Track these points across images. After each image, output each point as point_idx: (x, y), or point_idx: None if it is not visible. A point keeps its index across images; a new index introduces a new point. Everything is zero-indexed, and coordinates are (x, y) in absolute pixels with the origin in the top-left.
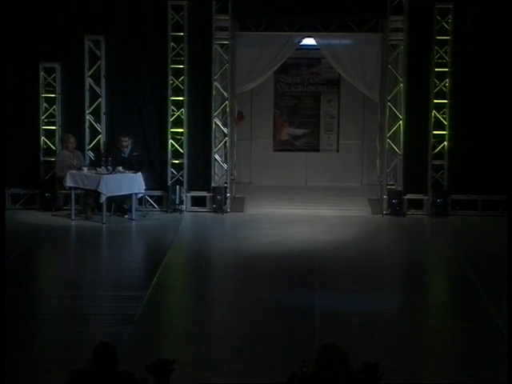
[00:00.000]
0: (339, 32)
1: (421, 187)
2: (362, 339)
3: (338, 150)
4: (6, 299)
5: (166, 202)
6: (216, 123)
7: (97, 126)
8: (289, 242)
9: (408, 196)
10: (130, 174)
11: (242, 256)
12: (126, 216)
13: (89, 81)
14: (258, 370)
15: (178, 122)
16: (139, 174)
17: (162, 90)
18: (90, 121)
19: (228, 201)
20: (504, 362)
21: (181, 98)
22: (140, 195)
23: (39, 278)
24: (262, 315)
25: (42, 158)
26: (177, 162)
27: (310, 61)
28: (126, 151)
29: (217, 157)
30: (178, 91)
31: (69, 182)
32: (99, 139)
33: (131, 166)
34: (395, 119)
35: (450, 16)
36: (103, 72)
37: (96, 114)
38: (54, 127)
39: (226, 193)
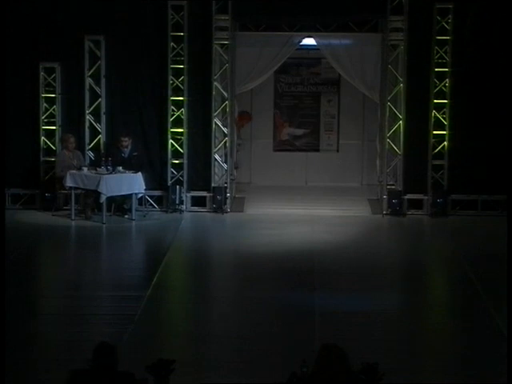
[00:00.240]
0: (339, 32)
1: (421, 187)
2: (362, 339)
3: (338, 150)
4: (6, 299)
5: (166, 201)
6: (216, 123)
7: (97, 126)
8: (289, 242)
9: (408, 196)
10: (130, 174)
11: (242, 256)
12: (126, 216)
13: (89, 81)
14: (258, 370)
15: (177, 122)
16: (139, 174)
17: (162, 90)
18: (90, 121)
19: (228, 201)
20: (504, 362)
21: (181, 98)
22: (140, 195)
23: (39, 278)
24: (261, 315)
25: (42, 158)
26: (177, 162)
27: (310, 61)
28: (126, 151)
29: (217, 157)
30: (178, 91)
31: (69, 182)
32: (99, 139)
33: (131, 165)
34: (395, 119)
35: (449, 16)
36: (103, 72)
37: (96, 114)
38: (54, 127)
39: (226, 193)
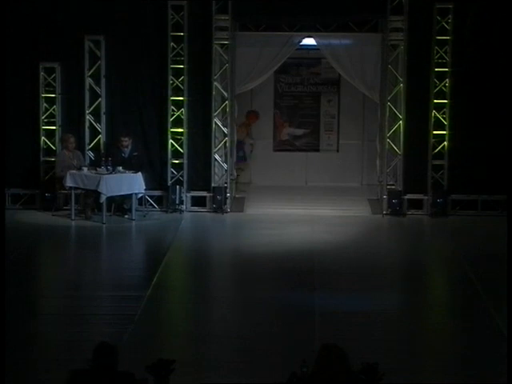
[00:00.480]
0: (339, 32)
1: (421, 187)
2: (362, 339)
3: (338, 150)
4: (6, 299)
5: (166, 202)
6: (216, 123)
7: (97, 126)
8: (289, 242)
9: (408, 196)
10: (130, 174)
11: (242, 256)
12: (126, 216)
13: (89, 81)
14: (258, 369)
15: (177, 122)
16: (139, 174)
17: (162, 90)
18: (90, 121)
19: (228, 201)
20: (504, 362)
21: (181, 98)
22: (140, 195)
23: (39, 278)
24: (262, 315)
25: (42, 158)
26: (177, 161)
27: (310, 61)
28: (126, 151)
29: (217, 157)
30: (178, 91)
31: (69, 182)
32: (99, 139)
33: (131, 165)
34: (395, 119)
35: (449, 16)
36: (103, 72)
37: (96, 113)
38: (54, 127)
39: (226, 193)
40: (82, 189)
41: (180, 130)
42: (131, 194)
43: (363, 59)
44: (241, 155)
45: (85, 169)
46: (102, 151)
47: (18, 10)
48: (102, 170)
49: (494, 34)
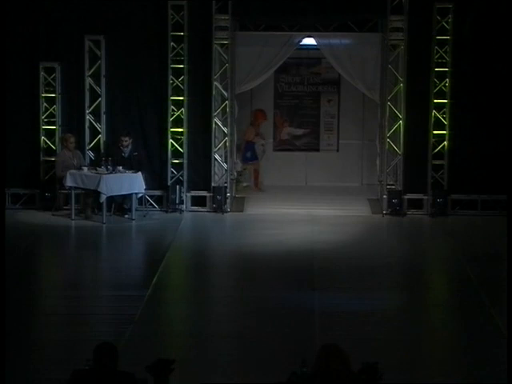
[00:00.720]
0: (339, 32)
1: (421, 187)
2: (362, 339)
3: (337, 150)
4: (6, 299)
5: (166, 201)
6: (216, 123)
7: (97, 125)
8: (289, 241)
9: (408, 196)
10: (130, 174)
11: (242, 256)
12: (126, 216)
13: (89, 81)
14: (258, 370)
15: (178, 122)
16: (139, 173)
17: (162, 90)
18: (90, 121)
19: (228, 201)
20: (504, 362)
21: (181, 98)
22: (140, 195)
23: (39, 278)
24: (261, 315)
25: (41, 158)
26: (177, 161)
27: (310, 61)
28: (127, 151)
29: (217, 157)
30: (178, 91)
31: (69, 182)
32: (99, 139)
33: (131, 165)
34: (395, 119)
35: (449, 16)
36: (103, 72)
37: (96, 113)
38: (54, 127)
39: (226, 193)
40: (82, 189)
41: (180, 129)
42: (131, 194)
43: (363, 59)
44: (248, 156)
45: (85, 168)
46: (102, 151)
47: (18, 10)
48: (102, 169)
49: (493, 34)
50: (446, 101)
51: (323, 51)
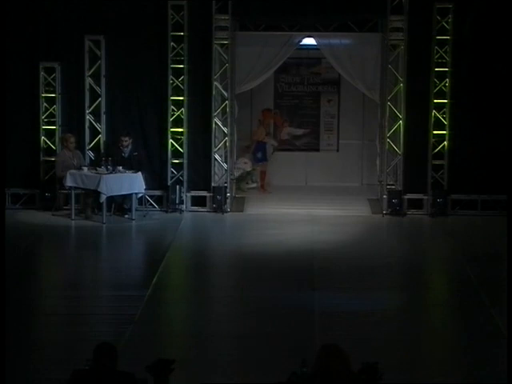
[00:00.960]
0: (339, 32)
1: (421, 187)
2: (362, 339)
3: (337, 150)
4: (6, 299)
5: (166, 201)
6: (216, 123)
7: (97, 125)
8: (289, 241)
9: (408, 196)
10: (130, 174)
11: (242, 256)
12: (126, 216)
13: (89, 81)
14: (258, 370)
15: (178, 122)
16: (139, 173)
17: (162, 90)
18: (90, 121)
19: (228, 201)
20: (504, 362)
21: (181, 98)
22: (140, 195)
23: (39, 277)
24: (262, 315)
25: (41, 158)
26: (177, 161)
27: (310, 61)
28: (127, 151)
29: (217, 157)
30: (178, 91)
31: (69, 182)
32: (99, 139)
33: (131, 165)
34: (395, 119)
35: (449, 16)
36: (103, 72)
37: (96, 113)
38: (54, 127)
39: (226, 193)
40: (82, 189)
41: (180, 129)
42: (131, 194)
43: (363, 59)
44: (259, 156)
45: (85, 168)
46: (102, 151)
47: (18, 10)
48: (102, 169)
49: (493, 33)
50: (446, 101)
51: (323, 51)
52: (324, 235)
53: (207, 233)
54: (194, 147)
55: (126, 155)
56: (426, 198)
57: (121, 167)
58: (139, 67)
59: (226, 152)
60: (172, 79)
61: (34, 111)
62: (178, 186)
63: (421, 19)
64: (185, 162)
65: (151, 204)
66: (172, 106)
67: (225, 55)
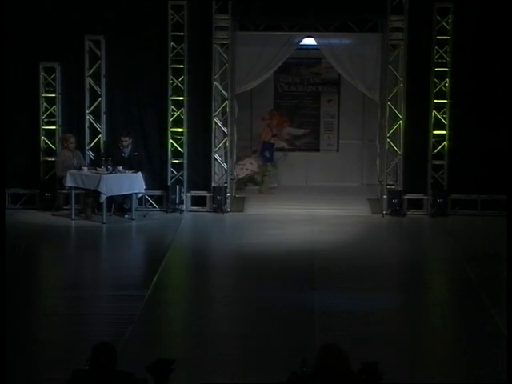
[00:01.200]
0: (339, 32)
1: (421, 187)
2: (362, 339)
3: (337, 150)
4: (6, 299)
5: (166, 201)
6: (216, 123)
7: (97, 125)
8: (289, 241)
9: (408, 196)
10: (130, 174)
11: (242, 256)
12: (126, 216)
13: (89, 80)
14: (258, 369)
15: (178, 122)
16: (139, 173)
17: (162, 90)
18: (90, 121)
19: (228, 201)
20: (504, 362)
21: (181, 98)
22: (140, 195)
23: (39, 277)
24: (261, 315)
25: (41, 158)
26: (177, 161)
27: (310, 61)
28: (127, 151)
29: (217, 157)
30: (178, 91)
31: (69, 182)
32: (99, 139)
33: (131, 165)
34: (395, 119)
35: (449, 16)
36: (103, 72)
37: (96, 113)
38: (54, 127)
39: (226, 193)
40: (82, 189)
41: (180, 129)
42: (131, 194)
43: (363, 59)
44: (267, 156)
45: (85, 168)
46: (102, 151)
47: (18, 10)
48: (102, 169)
49: (493, 33)
50: (446, 101)
51: (323, 51)
52: (324, 235)
53: (207, 233)
54: (194, 147)
55: (126, 155)
56: (425, 198)
57: (121, 167)
58: (139, 67)
59: (226, 152)
60: (172, 79)
61: (34, 111)
62: (178, 186)
63: (421, 19)
64: (185, 162)
65: (151, 204)
66: (172, 106)
67: (225, 55)
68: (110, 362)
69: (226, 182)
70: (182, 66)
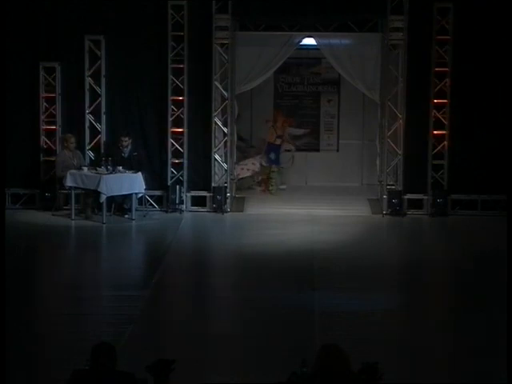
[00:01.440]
0: (339, 32)
1: (421, 187)
2: (362, 339)
3: (337, 150)
4: (6, 299)
5: (166, 201)
6: (216, 123)
7: (97, 125)
8: (289, 241)
9: (408, 196)
10: (130, 174)
11: (242, 256)
12: (126, 216)
13: (89, 80)
14: (258, 369)
15: (178, 122)
16: (139, 173)
17: (162, 90)
18: (90, 121)
19: (228, 201)
20: (504, 362)
21: (181, 98)
22: (140, 195)
23: (39, 277)
24: (261, 315)
25: (42, 158)
26: (177, 161)
27: (310, 61)
28: (126, 151)
29: (217, 157)
30: (178, 91)
31: (69, 182)
32: (99, 139)
33: (131, 165)
34: (395, 119)
35: (449, 16)
36: (103, 72)
37: (96, 113)
38: (54, 127)
39: (226, 193)
40: (82, 189)
41: (180, 129)
42: (131, 194)
43: (363, 59)
44: (272, 157)
45: (85, 169)
46: (102, 151)
47: (18, 10)
48: (102, 169)
49: (494, 33)
50: (446, 101)
51: (323, 51)
52: (324, 235)
53: (207, 233)
54: (194, 147)
55: (126, 155)
56: (425, 198)
57: (121, 167)
58: (139, 67)
59: (225, 152)
60: (172, 79)
61: (33, 111)
62: (178, 186)
63: (421, 19)
64: (185, 162)
65: (151, 204)
66: (172, 106)
67: (225, 55)
68: (110, 362)
69: (226, 182)
70: (182, 66)
